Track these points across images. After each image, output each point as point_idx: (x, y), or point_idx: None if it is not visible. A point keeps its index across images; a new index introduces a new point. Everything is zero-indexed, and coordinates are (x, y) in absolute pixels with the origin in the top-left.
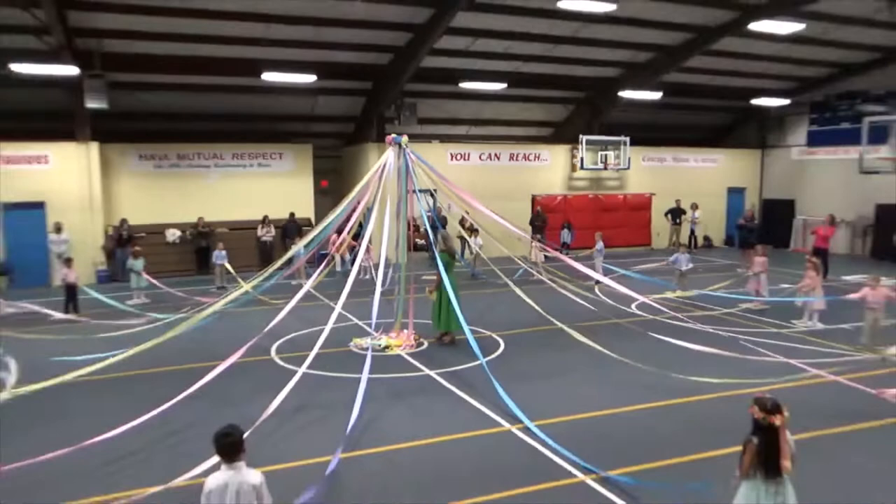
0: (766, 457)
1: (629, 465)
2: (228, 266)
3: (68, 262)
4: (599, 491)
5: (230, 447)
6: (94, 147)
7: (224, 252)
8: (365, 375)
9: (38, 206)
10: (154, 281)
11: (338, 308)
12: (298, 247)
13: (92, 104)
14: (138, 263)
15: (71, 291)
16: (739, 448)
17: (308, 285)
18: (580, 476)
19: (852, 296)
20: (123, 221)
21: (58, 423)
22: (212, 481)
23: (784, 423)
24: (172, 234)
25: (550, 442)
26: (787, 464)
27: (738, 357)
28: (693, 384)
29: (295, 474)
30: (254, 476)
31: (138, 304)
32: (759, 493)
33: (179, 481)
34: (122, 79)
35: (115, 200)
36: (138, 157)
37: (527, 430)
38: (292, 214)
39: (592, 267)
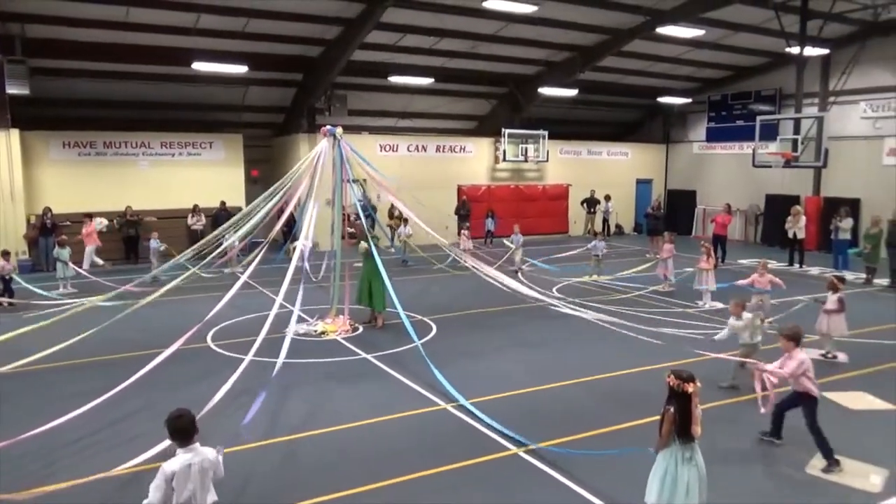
0: (680, 423)
1: (556, 436)
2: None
3: (5, 255)
4: (530, 462)
5: (185, 429)
6: (14, 134)
7: (158, 241)
8: (282, 358)
9: None
10: (80, 270)
11: (279, 299)
12: (233, 238)
13: (13, 90)
14: (64, 252)
15: (6, 282)
16: (653, 418)
17: (245, 276)
18: (513, 448)
19: (742, 281)
20: (47, 210)
21: None
22: (173, 465)
23: (696, 392)
24: (99, 223)
25: (484, 418)
26: (697, 429)
27: (650, 334)
28: (609, 363)
29: (238, 456)
30: (210, 452)
31: (65, 294)
32: (676, 457)
33: (122, 468)
34: (46, 65)
35: (37, 189)
36: (62, 145)
37: (461, 408)
38: (223, 203)
39: (512, 257)
